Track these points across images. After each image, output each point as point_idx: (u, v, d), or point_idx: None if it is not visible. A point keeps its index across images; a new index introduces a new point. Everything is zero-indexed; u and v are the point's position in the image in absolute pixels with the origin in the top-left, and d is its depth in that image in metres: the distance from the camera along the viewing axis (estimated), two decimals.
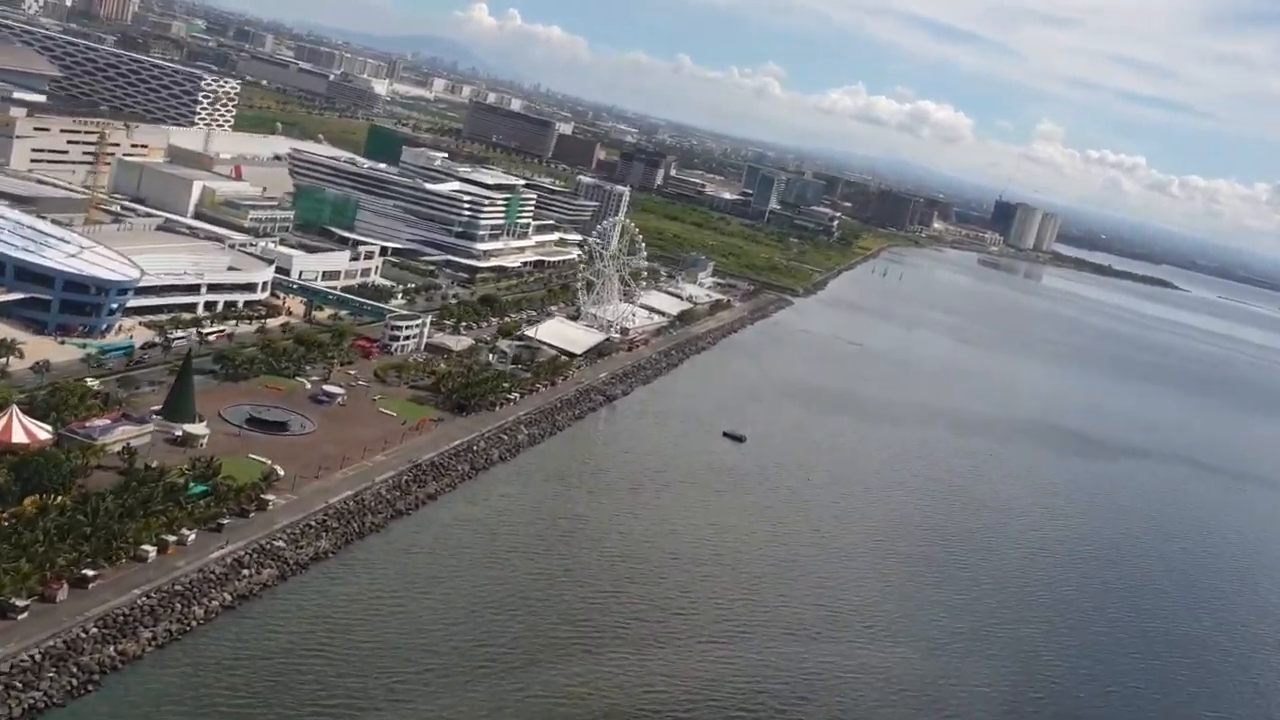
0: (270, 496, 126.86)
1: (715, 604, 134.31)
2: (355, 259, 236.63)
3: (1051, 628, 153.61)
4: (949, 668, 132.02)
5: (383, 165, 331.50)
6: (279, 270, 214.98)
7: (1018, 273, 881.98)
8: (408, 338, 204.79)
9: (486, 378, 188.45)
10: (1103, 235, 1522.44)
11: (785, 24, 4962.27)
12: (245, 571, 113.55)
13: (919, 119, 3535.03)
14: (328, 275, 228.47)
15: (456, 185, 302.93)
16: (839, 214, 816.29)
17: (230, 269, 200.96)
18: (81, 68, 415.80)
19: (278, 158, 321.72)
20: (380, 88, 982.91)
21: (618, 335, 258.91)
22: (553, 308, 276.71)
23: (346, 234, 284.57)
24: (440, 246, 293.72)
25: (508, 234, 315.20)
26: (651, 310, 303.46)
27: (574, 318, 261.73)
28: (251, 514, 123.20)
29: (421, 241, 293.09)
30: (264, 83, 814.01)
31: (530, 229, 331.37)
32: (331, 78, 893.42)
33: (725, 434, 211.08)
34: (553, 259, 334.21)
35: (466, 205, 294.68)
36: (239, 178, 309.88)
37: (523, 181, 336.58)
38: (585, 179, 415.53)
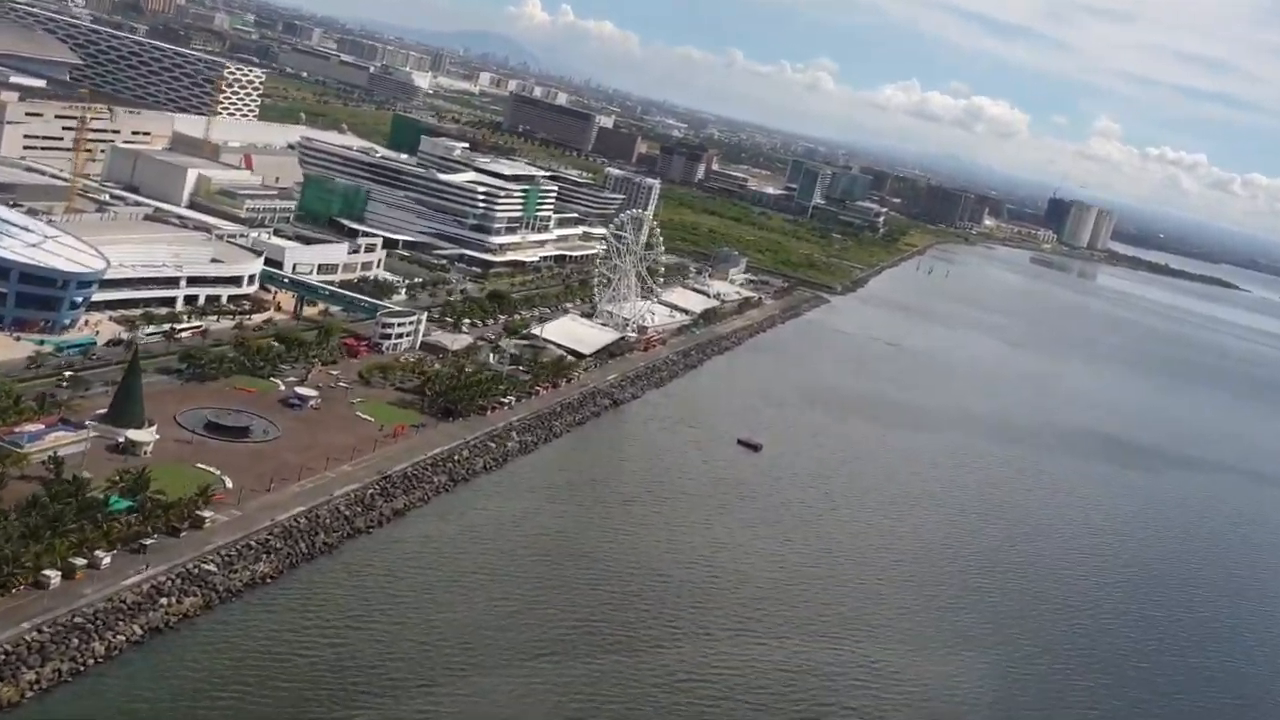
0: (208, 513, 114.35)
1: (701, 638, 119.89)
2: (355, 251, 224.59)
3: (1089, 669, 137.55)
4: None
5: (402, 155, 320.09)
6: (270, 263, 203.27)
7: (1071, 271, 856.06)
8: (400, 336, 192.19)
9: (478, 380, 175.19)
10: (1160, 234, 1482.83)
11: (838, 19, 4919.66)
12: (164, 600, 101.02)
13: (974, 115, 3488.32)
14: (324, 269, 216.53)
15: (471, 176, 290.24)
16: (885, 210, 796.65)
17: (214, 261, 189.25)
18: (105, 56, 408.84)
19: (292, 147, 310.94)
20: (422, 80, 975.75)
21: (634, 334, 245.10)
22: (568, 304, 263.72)
23: (356, 226, 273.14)
24: (453, 239, 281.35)
25: (526, 227, 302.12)
26: (674, 308, 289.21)
27: (590, 315, 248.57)
28: (183, 533, 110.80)
29: (434, 234, 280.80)
30: (304, 74, 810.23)
31: (551, 222, 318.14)
32: (372, 70, 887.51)
33: (740, 442, 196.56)
34: (575, 253, 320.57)
35: (481, 197, 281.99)
36: (249, 167, 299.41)
37: (544, 173, 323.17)
38: (615, 171, 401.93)
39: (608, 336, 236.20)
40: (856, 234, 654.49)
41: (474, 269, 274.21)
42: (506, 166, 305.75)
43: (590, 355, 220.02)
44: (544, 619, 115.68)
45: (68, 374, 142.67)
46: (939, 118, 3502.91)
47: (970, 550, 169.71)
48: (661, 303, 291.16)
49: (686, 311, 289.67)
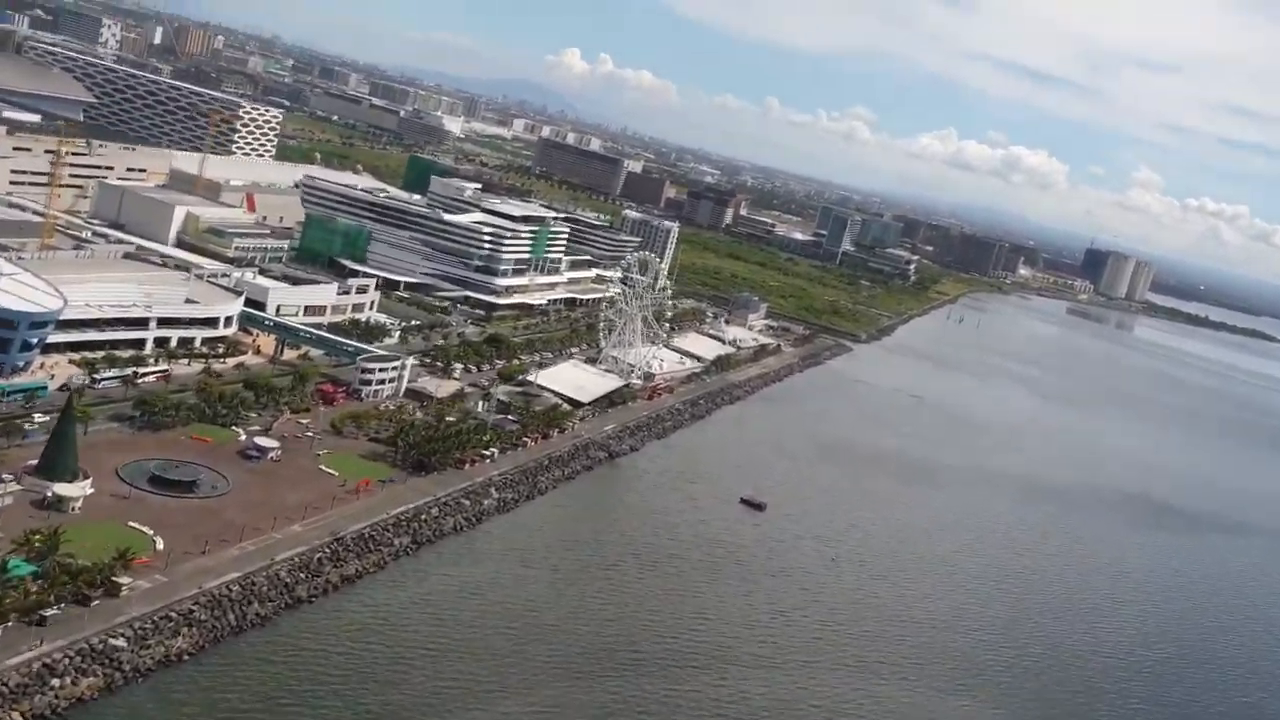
0: (126, 578, 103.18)
1: None
2: (345, 292, 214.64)
3: None
4: None
5: (412, 196, 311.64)
6: (253, 304, 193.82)
7: (1108, 322, 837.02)
8: (382, 382, 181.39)
9: (457, 431, 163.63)
10: (1201, 285, 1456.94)
11: (875, 68, 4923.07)
12: (55, 682, 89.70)
13: (1011, 165, 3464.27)
14: (311, 310, 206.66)
15: (478, 216, 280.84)
16: (917, 257, 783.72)
17: (188, 301, 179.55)
18: (122, 95, 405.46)
19: (298, 186, 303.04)
20: (453, 125, 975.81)
21: (639, 382, 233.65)
22: (574, 350, 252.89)
23: (356, 266, 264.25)
24: (458, 281, 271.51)
25: (535, 269, 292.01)
26: (685, 354, 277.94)
27: (594, 361, 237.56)
28: (95, 602, 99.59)
29: (438, 276, 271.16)
30: (334, 118, 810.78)
31: (563, 265, 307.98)
32: (402, 114, 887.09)
33: (743, 500, 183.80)
34: (587, 297, 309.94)
35: (487, 237, 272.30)
36: (252, 206, 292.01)
37: (554, 214, 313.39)
38: (632, 214, 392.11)
39: (610, 384, 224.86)
40: (886, 281, 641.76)
41: (477, 312, 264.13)
42: (515, 207, 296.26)
43: (588, 404, 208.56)
44: (496, 707, 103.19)
45: None
46: (976, 167, 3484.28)
47: (983, 624, 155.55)
48: (671, 348, 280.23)
49: (698, 358, 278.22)
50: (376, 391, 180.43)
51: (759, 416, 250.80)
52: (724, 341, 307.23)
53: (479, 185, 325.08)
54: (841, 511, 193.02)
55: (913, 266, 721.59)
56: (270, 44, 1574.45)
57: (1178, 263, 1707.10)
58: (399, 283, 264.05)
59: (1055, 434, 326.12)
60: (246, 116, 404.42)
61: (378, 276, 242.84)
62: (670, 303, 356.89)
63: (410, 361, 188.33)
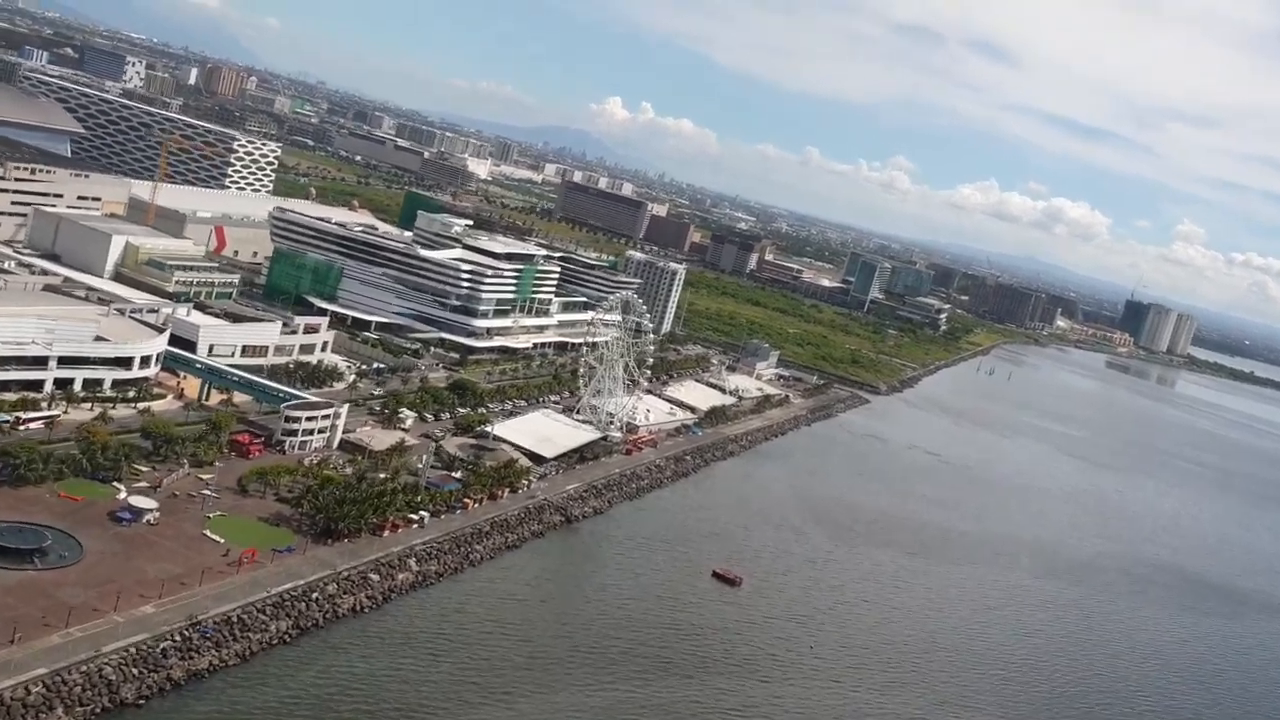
0: None
1: None
2: (291, 332, 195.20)
3: None
4: None
5: (402, 233, 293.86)
6: (181, 343, 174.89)
7: (1148, 377, 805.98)
8: (311, 432, 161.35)
9: (379, 491, 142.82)
10: (1246, 340, 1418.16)
11: (916, 119, 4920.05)
12: None
13: (1053, 216, 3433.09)
14: (250, 350, 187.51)
15: (457, 253, 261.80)
16: (949, 306, 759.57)
17: (98, 339, 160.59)
18: (115, 127, 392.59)
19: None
20: (478, 167, 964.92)
21: (618, 434, 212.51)
22: (553, 398, 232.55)
23: (325, 305, 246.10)
24: (433, 322, 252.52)
25: (520, 310, 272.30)
26: (678, 404, 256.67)
27: (573, 410, 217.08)
28: None
29: (412, 315, 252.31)
30: (357, 158, 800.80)
31: (554, 306, 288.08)
32: (426, 155, 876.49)
33: (715, 574, 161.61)
34: (580, 341, 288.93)
35: (465, 276, 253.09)
36: (221, 239, 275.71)
37: (546, 252, 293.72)
38: (636, 254, 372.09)
39: (583, 436, 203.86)
40: (915, 330, 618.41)
41: (451, 355, 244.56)
42: (499, 244, 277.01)
43: (553, 459, 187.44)
44: None
45: None
46: (1017, 218, 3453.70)
47: None
48: (665, 398, 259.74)
49: (692, 409, 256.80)
50: (304, 443, 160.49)
51: (751, 475, 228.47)
52: (724, 391, 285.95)
53: (469, 222, 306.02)
54: (829, 588, 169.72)
55: (944, 315, 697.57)
56: (313, 89, 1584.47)
57: (1222, 316, 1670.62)
58: (369, 323, 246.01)
59: (1084, 497, 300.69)
60: (242, 150, 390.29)
61: (346, 315, 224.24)
62: (674, 348, 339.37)
63: (344, 409, 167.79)
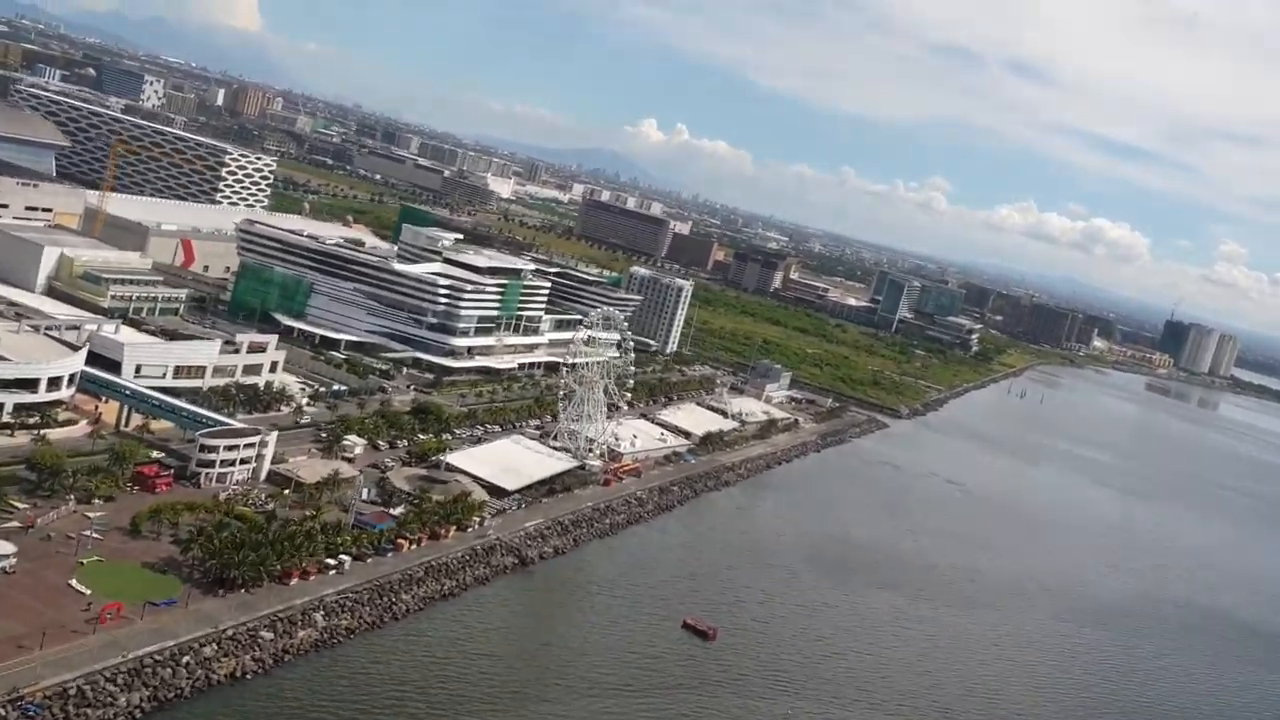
0: None
1: None
2: (233, 351, 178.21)
3: None
4: None
5: (392, 247, 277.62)
6: (100, 363, 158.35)
7: (1189, 399, 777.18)
8: (232, 462, 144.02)
9: (290, 533, 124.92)
10: None
11: (953, 139, 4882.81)
12: None
13: (1092, 237, 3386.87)
14: (185, 371, 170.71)
15: (435, 267, 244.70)
16: (980, 326, 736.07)
17: None
18: (106, 140, 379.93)
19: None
20: (501, 186, 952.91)
21: (597, 463, 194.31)
22: (534, 422, 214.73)
23: (293, 323, 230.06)
24: (408, 340, 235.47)
25: (505, 328, 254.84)
26: (673, 429, 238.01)
27: (549, 437, 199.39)
28: None
29: (386, 333, 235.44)
30: (376, 177, 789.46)
31: (543, 324, 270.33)
32: (446, 174, 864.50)
33: (686, 625, 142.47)
34: (574, 360, 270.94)
35: (443, 291, 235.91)
36: (189, 253, 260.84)
37: (532, 266, 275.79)
38: (640, 270, 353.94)
39: (555, 465, 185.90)
40: (944, 351, 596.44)
41: (426, 376, 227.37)
42: (484, 258, 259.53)
43: (516, 491, 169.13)
44: None
45: None
46: (1056, 239, 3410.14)
47: None
48: (657, 422, 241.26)
49: (687, 434, 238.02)
50: (224, 475, 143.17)
51: (745, 507, 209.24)
52: (726, 415, 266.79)
53: (459, 235, 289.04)
54: (814, 639, 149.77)
55: (975, 336, 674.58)
56: (348, 111, 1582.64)
57: (1266, 338, 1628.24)
58: (339, 342, 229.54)
59: (1115, 530, 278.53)
60: (234, 164, 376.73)
61: (314, 334, 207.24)
62: (678, 369, 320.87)
63: (272, 437, 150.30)
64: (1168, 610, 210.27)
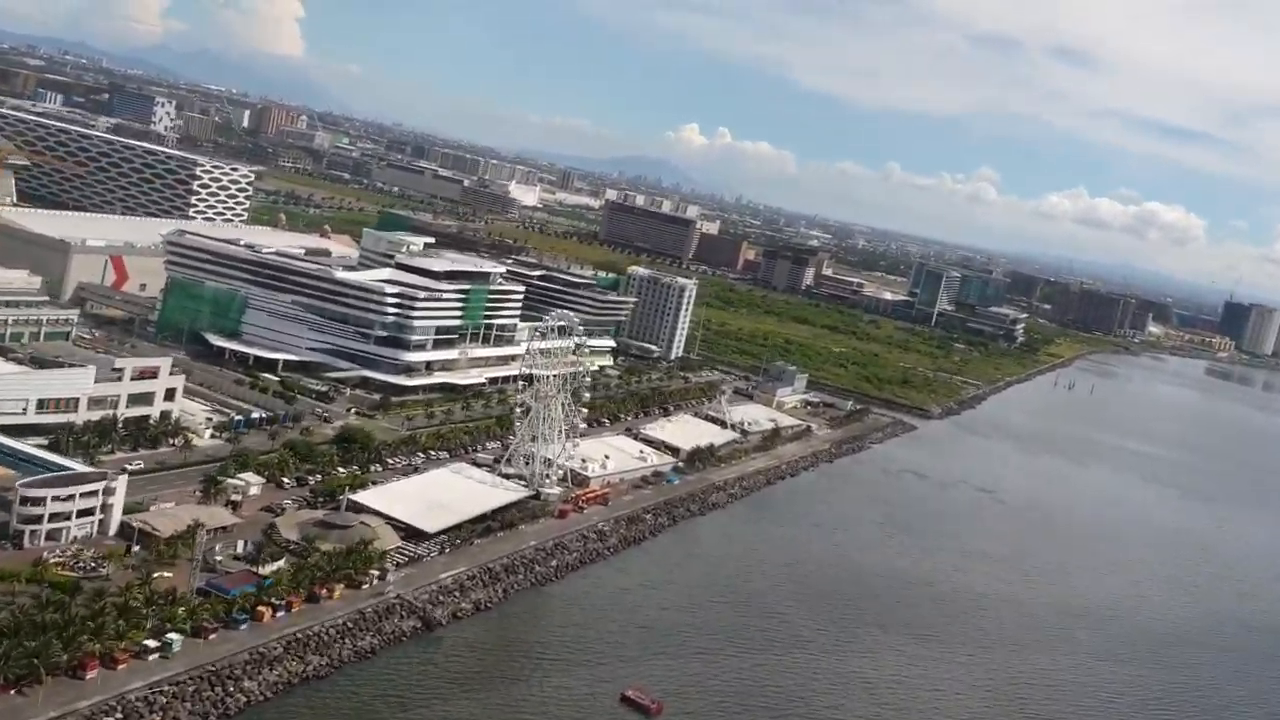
0: None
1: None
2: (113, 380, 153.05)
3: None
4: None
5: (344, 255, 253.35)
6: None
7: (1253, 384, 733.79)
8: (67, 515, 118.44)
9: (96, 610, 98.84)
10: None
11: (1000, 129, 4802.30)
12: None
13: (1146, 221, 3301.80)
14: (51, 404, 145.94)
15: (385, 274, 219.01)
16: (1025, 316, 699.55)
17: None
18: (74, 158, 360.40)
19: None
20: (525, 194, 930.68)
21: (555, 490, 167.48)
22: (493, 444, 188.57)
23: (224, 343, 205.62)
24: (355, 358, 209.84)
25: (472, 339, 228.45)
26: (660, 445, 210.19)
27: (504, 462, 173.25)
28: None
29: (330, 351, 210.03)
30: (395, 189, 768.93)
31: (519, 333, 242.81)
32: (466, 183, 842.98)
33: (625, 699, 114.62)
34: (554, 373, 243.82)
35: (391, 301, 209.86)
36: (121, 270, 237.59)
37: (501, 269, 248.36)
38: (640, 270, 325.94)
39: (498, 498, 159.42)
40: (987, 344, 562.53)
41: (373, 396, 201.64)
42: (445, 261, 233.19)
43: (440, 533, 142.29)
44: None
45: None
46: (1108, 225, 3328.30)
47: None
48: (642, 437, 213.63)
49: (677, 450, 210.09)
50: (58, 531, 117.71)
51: (733, 534, 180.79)
52: (725, 425, 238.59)
53: (429, 239, 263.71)
54: (786, 703, 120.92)
55: (1020, 326, 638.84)
56: (386, 129, 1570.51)
57: None
58: (276, 362, 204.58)
59: (1172, 540, 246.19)
60: (207, 176, 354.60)
61: (166, 359, 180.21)
62: (682, 376, 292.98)
63: (120, 482, 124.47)
64: (1236, 638, 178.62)
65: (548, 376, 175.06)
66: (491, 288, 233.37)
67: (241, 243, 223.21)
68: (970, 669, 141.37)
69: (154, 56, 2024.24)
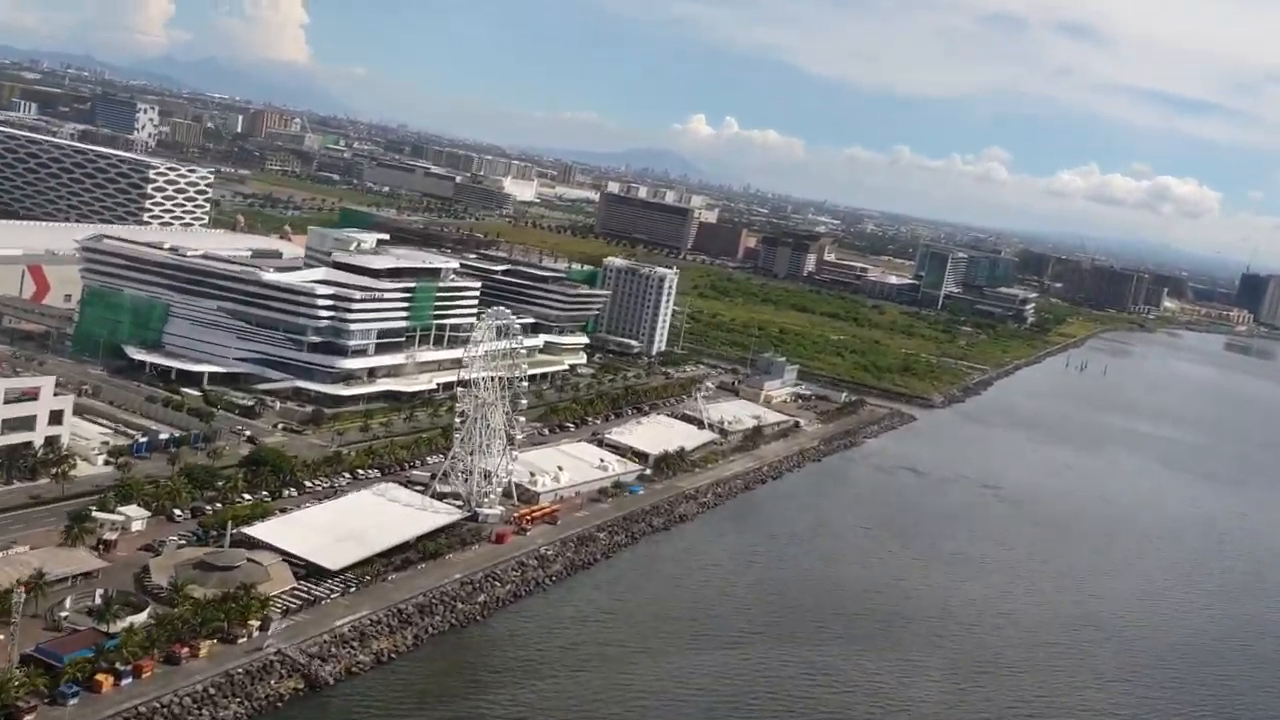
0: None
1: None
2: None
3: None
4: None
5: (297, 256, 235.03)
6: None
7: (1273, 357, 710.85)
8: None
9: None
10: None
11: (1008, 109, 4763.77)
12: None
13: (1159, 196, 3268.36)
14: None
15: (319, 273, 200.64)
16: (1036, 295, 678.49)
17: None
18: (24, 165, 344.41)
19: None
20: (521, 189, 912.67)
21: (495, 510, 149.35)
22: (435, 459, 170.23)
23: (145, 356, 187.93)
24: (287, 366, 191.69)
25: (422, 342, 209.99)
26: (626, 451, 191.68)
27: (439, 478, 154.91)
28: None
29: (259, 360, 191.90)
30: (385, 189, 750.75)
31: (479, 332, 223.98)
32: (458, 180, 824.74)
33: None
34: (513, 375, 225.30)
35: (323, 303, 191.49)
36: (41, 281, 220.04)
37: (454, 264, 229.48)
38: (616, 261, 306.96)
39: (427, 522, 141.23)
40: (995, 325, 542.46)
41: (306, 409, 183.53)
42: (389, 258, 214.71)
43: (345, 569, 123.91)
44: None
45: None
46: (1121, 201, 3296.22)
47: None
48: (609, 443, 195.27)
49: (644, 455, 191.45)
50: None
51: (697, 550, 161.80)
52: (703, 425, 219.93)
53: (383, 235, 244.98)
54: None
55: (1030, 306, 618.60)
56: (392, 131, 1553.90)
57: None
58: (201, 375, 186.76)
59: (1191, 533, 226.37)
60: (163, 179, 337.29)
61: (48, 378, 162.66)
62: (663, 372, 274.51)
63: None
64: (1260, 646, 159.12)
65: (485, 380, 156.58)
66: (441, 284, 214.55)
67: (166, 246, 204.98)
68: (958, 699, 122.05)
69: (159, 67, 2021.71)
